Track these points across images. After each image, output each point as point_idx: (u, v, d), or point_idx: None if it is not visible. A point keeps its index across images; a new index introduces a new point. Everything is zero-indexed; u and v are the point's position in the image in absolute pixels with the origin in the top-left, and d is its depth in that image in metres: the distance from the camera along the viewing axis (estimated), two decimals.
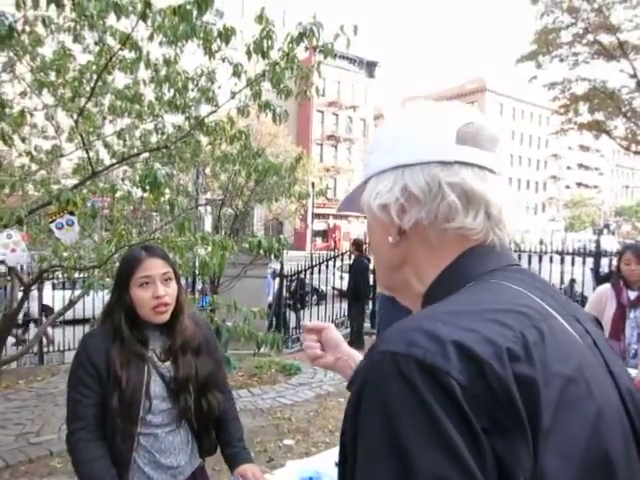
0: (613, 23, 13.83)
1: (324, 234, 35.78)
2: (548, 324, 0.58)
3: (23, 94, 4.99)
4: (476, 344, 0.52)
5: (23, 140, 5.72)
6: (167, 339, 1.62)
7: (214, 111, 4.45)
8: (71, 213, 3.14)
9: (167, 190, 3.24)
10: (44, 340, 8.52)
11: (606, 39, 14.37)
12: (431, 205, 0.65)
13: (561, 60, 15.05)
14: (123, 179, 5.29)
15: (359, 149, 38.78)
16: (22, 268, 5.89)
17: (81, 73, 4.57)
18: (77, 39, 3.71)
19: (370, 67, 39.86)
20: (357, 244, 7.35)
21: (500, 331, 0.54)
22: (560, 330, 0.59)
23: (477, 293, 0.62)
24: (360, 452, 0.54)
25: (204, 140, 5.34)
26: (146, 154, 4.87)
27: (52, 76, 4.58)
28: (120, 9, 3.60)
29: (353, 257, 7.49)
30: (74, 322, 9.02)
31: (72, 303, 6.66)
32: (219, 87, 4.40)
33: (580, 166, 62.95)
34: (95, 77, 4.16)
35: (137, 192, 5.41)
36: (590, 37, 14.50)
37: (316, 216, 31.66)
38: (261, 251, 3.88)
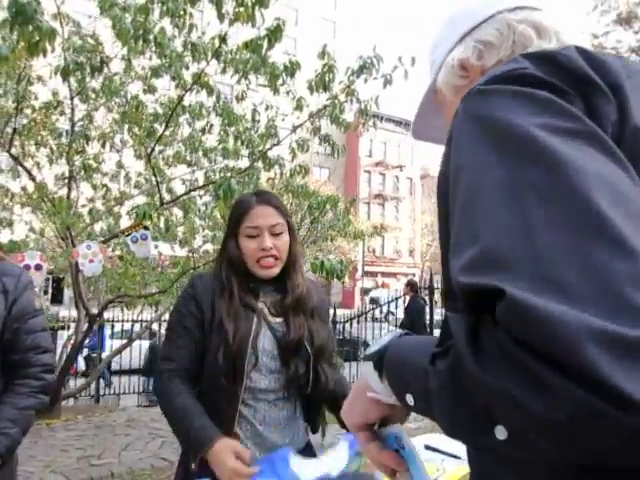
0: None
1: None
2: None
3: (102, 136, 5.39)
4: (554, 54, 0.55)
5: (94, 187, 6.16)
6: (278, 294, 1.48)
7: (277, 144, 4.67)
8: (145, 228, 3.31)
9: None
10: (101, 382, 8.74)
11: None
12: (506, 43, 0.71)
13: None
14: (187, 212, 5.47)
15: (406, 207, 38.95)
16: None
17: (156, 115, 4.91)
18: (157, 73, 4.00)
19: None
20: (411, 284, 7.27)
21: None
22: None
23: None
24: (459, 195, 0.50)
25: (263, 177, 5.58)
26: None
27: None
28: (196, 48, 3.94)
29: (408, 298, 7.38)
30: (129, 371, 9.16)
31: (131, 341, 6.84)
32: (282, 119, 4.61)
33: None
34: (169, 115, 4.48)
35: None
36: None
37: (365, 274, 31.56)
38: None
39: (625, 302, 0.36)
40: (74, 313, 6.68)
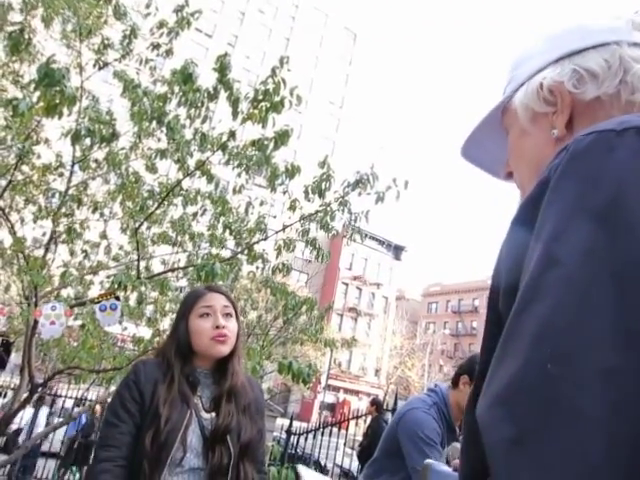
0: None
1: (332, 408, 33.95)
2: None
3: (94, 204, 5.43)
4: None
5: (72, 253, 6.10)
6: (217, 388, 1.51)
7: (264, 239, 4.75)
8: (117, 298, 3.22)
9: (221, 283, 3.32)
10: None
11: None
12: (612, 80, 0.59)
13: None
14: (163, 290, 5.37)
15: (378, 325, 38.81)
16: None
17: (152, 192, 5.01)
18: (163, 155, 4.15)
19: (397, 250, 41.99)
20: (377, 404, 6.99)
21: None
22: None
23: None
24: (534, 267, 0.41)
25: (244, 269, 5.58)
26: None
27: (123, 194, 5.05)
28: (205, 138, 4.14)
29: (371, 418, 7.07)
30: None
31: (64, 423, 6.32)
32: (274, 217, 4.73)
33: None
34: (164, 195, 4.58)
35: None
36: None
37: (327, 387, 30.46)
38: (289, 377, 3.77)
39: None
40: (15, 380, 6.20)
